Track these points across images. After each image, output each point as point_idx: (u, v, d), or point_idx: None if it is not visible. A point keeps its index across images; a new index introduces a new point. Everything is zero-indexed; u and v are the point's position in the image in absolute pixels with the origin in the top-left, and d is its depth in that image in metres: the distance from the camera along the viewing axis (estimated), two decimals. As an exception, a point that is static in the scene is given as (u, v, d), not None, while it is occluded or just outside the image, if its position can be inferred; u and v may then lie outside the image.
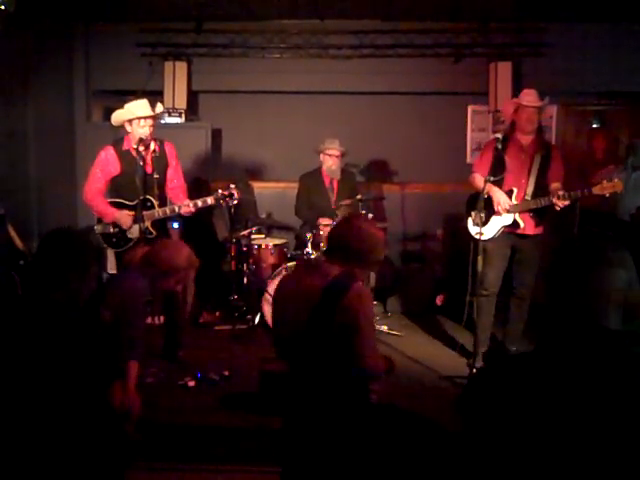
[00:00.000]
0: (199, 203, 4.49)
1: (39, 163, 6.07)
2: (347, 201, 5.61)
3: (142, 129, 4.44)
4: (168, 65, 6.60)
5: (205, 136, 6.60)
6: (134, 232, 4.39)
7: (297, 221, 6.10)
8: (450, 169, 6.72)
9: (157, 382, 4.17)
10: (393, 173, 7.06)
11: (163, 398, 3.88)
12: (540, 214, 4.46)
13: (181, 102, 6.64)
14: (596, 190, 4.10)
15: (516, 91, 6.42)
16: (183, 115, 6.63)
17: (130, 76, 6.70)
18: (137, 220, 4.38)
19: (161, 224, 4.58)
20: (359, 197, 5.46)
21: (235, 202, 4.54)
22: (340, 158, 5.80)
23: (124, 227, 4.45)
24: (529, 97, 4.53)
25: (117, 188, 4.55)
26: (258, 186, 6.88)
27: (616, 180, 4.09)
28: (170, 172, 4.67)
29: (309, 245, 5.36)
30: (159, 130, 6.40)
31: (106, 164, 4.53)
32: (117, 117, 4.56)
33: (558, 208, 4.22)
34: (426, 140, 6.83)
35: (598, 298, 1.54)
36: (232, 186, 4.55)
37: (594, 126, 7.11)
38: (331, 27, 6.59)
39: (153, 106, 4.57)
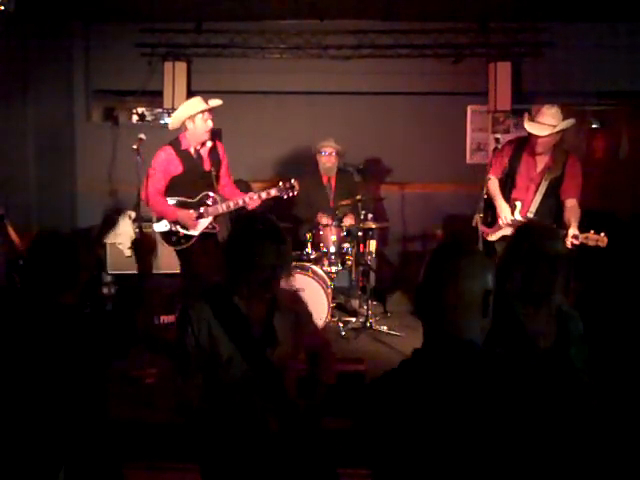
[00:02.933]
0: (263, 195, 4.57)
1: (39, 163, 6.06)
2: (346, 201, 5.61)
3: (206, 122, 4.49)
4: (168, 65, 6.59)
5: (205, 136, 6.59)
6: (198, 228, 4.43)
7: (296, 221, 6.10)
8: (450, 169, 6.73)
9: (157, 382, 4.17)
10: (393, 173, 7.06)
11: (163, 398, 3.88)
12: None
13: (181, 102, 6.58)
14: (581, 239, 4.01)
15: (516, 91, 6.45)
16: (183, 115, 6.62)
17: (130, 76, 6.69)
18: (200, 216, 4.44)
19: (222, 218, 4.66)
20: (359, 197, 5.46)
21: (296, 193, 4.64)
22: (336, 156, 5.80)
23: (187, 226, 4.47)
24: (542, 118, 4.20)
25: (177, 187, 4.54)
26: (258, 186, 6.87)
27: (602, 235, 3.97)
28: (222, 169, 4.73)
29: (309, 245, 5.37)
30: (159, 130, 6.44)
31: (167, 165, 4.51)
32: (179, 116, 4.55)
33: (570, 246, 4.05)
34: (426, 140, 6.83)
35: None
36: (293, 180, 4.63)
37: (594, 126, 7.11)
38: (331, 27, 6.59)
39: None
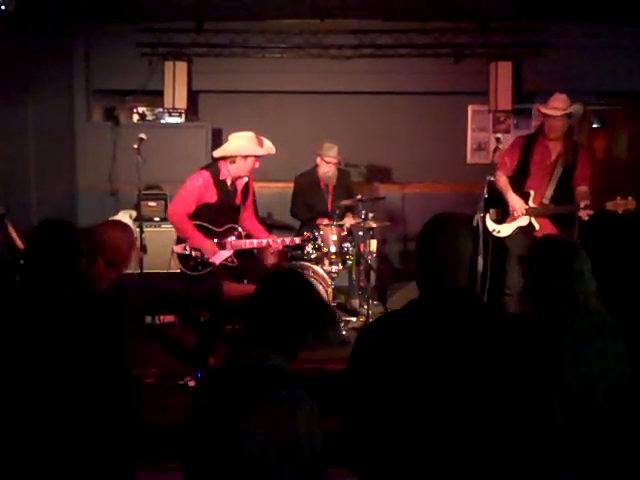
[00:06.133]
0: (287, 241, 4.77)
1: (39, 163, 6.06)
2: (347, 201, 5.61)
3: (254, 164, 4.47)
4: (168, 65, 6.60)
5: (205, 136, 6.60)
6: (218, 258, 4.41)
7: (297, 221, 6.09)
8: (450, 169, 6.73)
9: (157, 382, 4.17)
10: (393, 173, 7.06)
11: (163, 398, 3.88)
12: (562, 219, 4.48)
13: (181, 102, 6.64)
14: (609, 206, 4.18)
15: (516, 91, 6.46)
16: (183, 115, 6.64)
17: (130, 76, 6.70)
18: (222, 247, 4.45)
19: (244, 251, 4.63)
20: (359, 197, 5.46)
21: (316, 245, 5.12)
22: (337, 165, 5.80)
23: (207, 256, 4.41)
24: (554, 103, 4.49)
25: (206, 214, 4.47)
26: (258, 186, 6.78)
27: (630, 198, 4.13)
28: (248, 201, 4.73)
29: (309, 246, 5.35)
30: (159, 130, 6.45)
31: (203, 191, 4.42)
32: (233, 150, 4.45)
33: (586, 218, 4.24)
34: (426, 140, 6.83)
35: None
36: (315, 232, 5.00)
37: (594, 126, 7.11)
38: (331, 27, 6.59)
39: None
